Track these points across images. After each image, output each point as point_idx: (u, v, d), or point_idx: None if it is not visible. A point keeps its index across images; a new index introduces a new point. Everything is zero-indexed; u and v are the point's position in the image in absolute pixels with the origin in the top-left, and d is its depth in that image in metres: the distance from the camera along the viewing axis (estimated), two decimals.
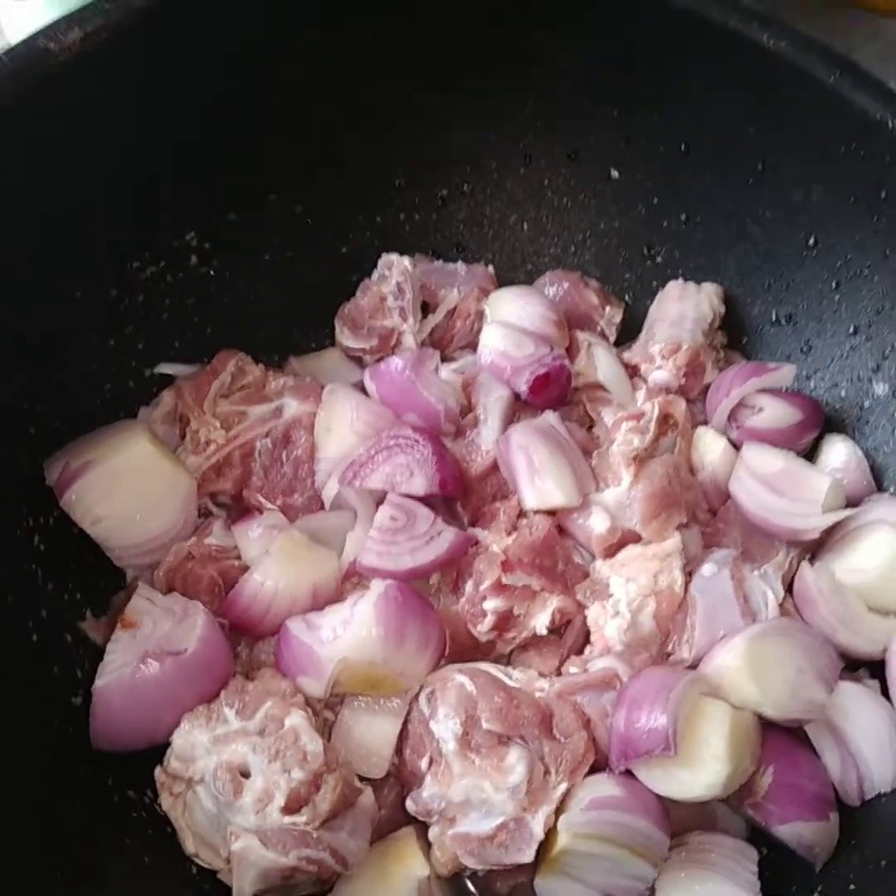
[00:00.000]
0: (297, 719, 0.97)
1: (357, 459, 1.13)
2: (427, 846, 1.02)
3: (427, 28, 1.24)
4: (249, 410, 1.21)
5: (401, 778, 1.06)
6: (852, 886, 0.98)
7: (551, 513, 1.15)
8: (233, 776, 0.94)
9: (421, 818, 1.02)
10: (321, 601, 1.10)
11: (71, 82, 1.04)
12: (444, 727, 1.00)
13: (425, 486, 1.09)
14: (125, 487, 1.09)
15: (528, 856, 0.96)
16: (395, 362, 1.20)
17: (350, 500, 1.14)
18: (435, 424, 1.17)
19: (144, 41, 1.09)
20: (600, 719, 1.02)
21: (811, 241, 1.23)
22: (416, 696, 1.05)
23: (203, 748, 0.96)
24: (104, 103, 1.08)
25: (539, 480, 1.12)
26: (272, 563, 1.09)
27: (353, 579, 1.12)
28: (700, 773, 0.95)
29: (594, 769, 1.01)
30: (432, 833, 1.01)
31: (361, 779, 1.02)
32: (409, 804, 1.02)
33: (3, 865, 0.85)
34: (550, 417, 1.18)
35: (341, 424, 1.16)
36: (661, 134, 1.29)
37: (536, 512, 1.14)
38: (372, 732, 1.04)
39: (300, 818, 0.92)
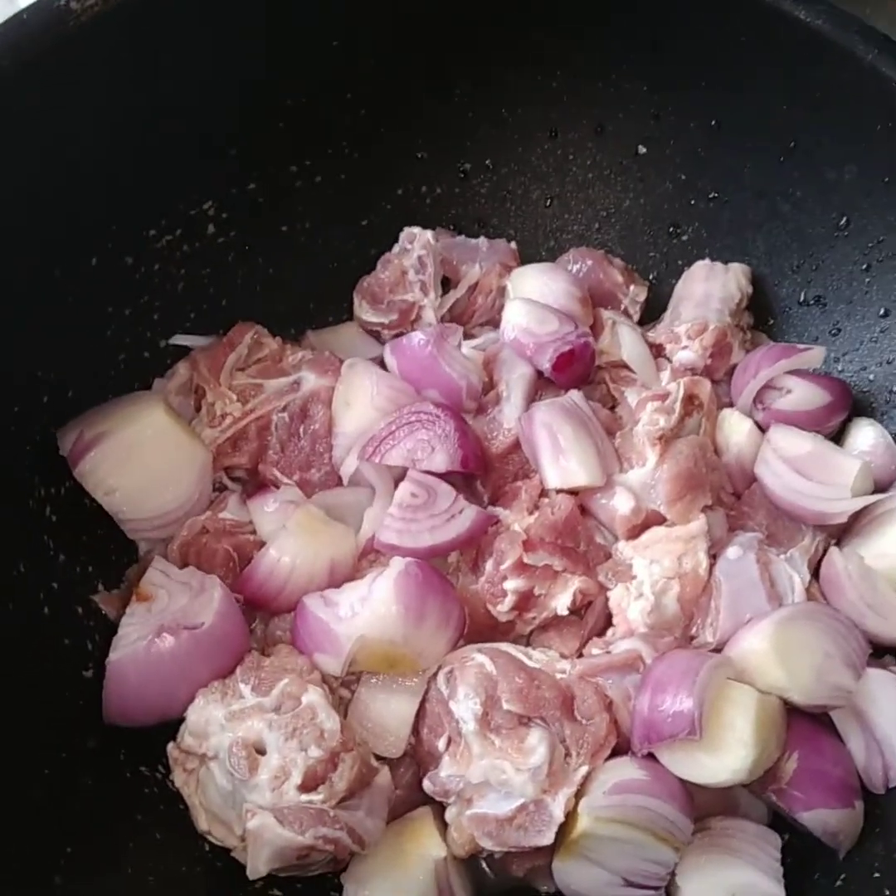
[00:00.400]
0: (314, 696, 0.95)
1: (377, 435, 1.11)
2: (443, 827, 1.00)
3: (454, 4, 1.21)
4: (266, 383, 1.19)
5: (417, 758, 1.04)
6: (877, 874, 0.97)
7: (574, 493, 1.13)
8: (248, 753, 0.92)
9: (438, 798, 1.00)
10: (338, 578, 1.08)
11: (91, 42, 1.02)
12: (464, 707, 0.98)
13: (447, 462, 1.07)
14: (140, 459, 1.07)
15: (547, 838, 0.94)
16: (418, 337, 1.17)
17: (368, 477, 1.12)
18: (456, 401, 1.15)
19: (167, 4, 1.06)
20: (623, 702, 1.00)
21: (843, 221, 1.21)
22: (435, 675, 1.03)
23: (218, 724, 0.94)
24: (124, 66, 1.06)
25: (562, 459, 1.10)
26: (289, 538, 1.07)
27: (370, 556, 1.11)
28: (725, 758, 0.93)
29: (615, 752, 1.00)
30: (449, 814, 1.00)
31: (378, 758, 1.00)
32: (427, 784, 1.00)
33: (14, 839, 0.84)
34: (575, 396, 1.16)
35: (361, 399, 1.14)
36: (692, 110, 1.27)
37: (559, 492, 1.12)
38: (389, 711, 1.03)
39: (317, 796, 0.90)
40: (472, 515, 1.07)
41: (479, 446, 1.13)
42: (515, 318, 1.19)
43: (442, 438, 1.07)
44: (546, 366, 1.17)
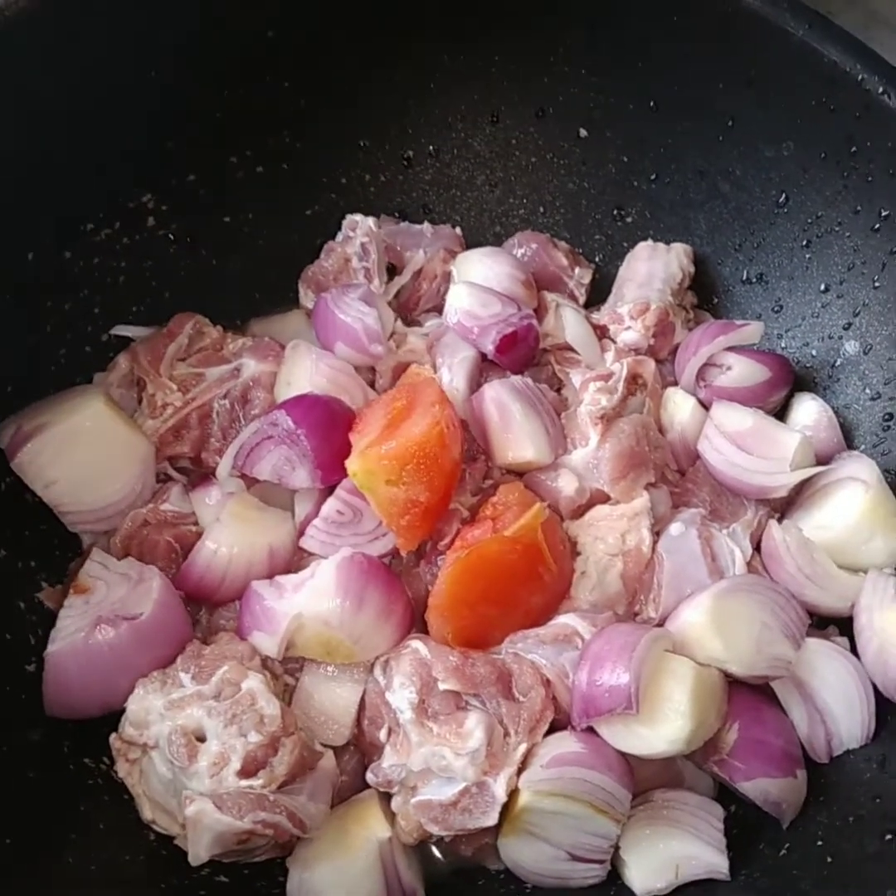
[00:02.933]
0: (254, 683, 0.95)
1: (247, 443, 1.10)
2: (390, 810, 1.00)
3: None
4: (207, 372, 1.19)
5: (360, 748, 1.05)
6: (820, 843, 0.98)
7: (519, 474, 1.13)
8: (187, 741, 0.92)
9: (382, 789, 1.01)
10: (279, 562, 1.08)
11: (20, 36, 1.02)
12: (400, 696, 0.98)
13: (307, 480, 1.07)
14: (80, 450, 1.07)
15: (491, 819, 0.95)
16: (321, 298, 1.20)
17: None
18: (360, 346, 1.16)
19: None
20: (559, 679, 1.00)
21: (782, 198, 1.22)
22: (372, 666, 1.03)
23: (157, 713, 0.94)
24: (55, 58, 1.06)
25: (511, 435, 1.11)
26: (224, 528, 1.07)
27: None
28: (662, 729, 0.94)
29: (555, 728, 1.00)
30: (395, 803, 1.00)
31: (323, 745, 1.00)
32: (370, 776, 1.01)
33: None
34: (522, 379, 1.16)
35: (301, 378, 1.14)
36: (630, 92, 1.27)
37: (507, 471, 1.12)
38: (333, 700, 1.03)
39: (256, 781, 0.91)
40: (394, 541, 1.06)
41: (343, 454, 1.06)
42: (458, 302, 1.20)
43: (301, 458, 1.06)
44: (489, 348, 1.17)
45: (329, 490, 1.09)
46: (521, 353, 1.19)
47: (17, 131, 1.05)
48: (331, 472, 1.07)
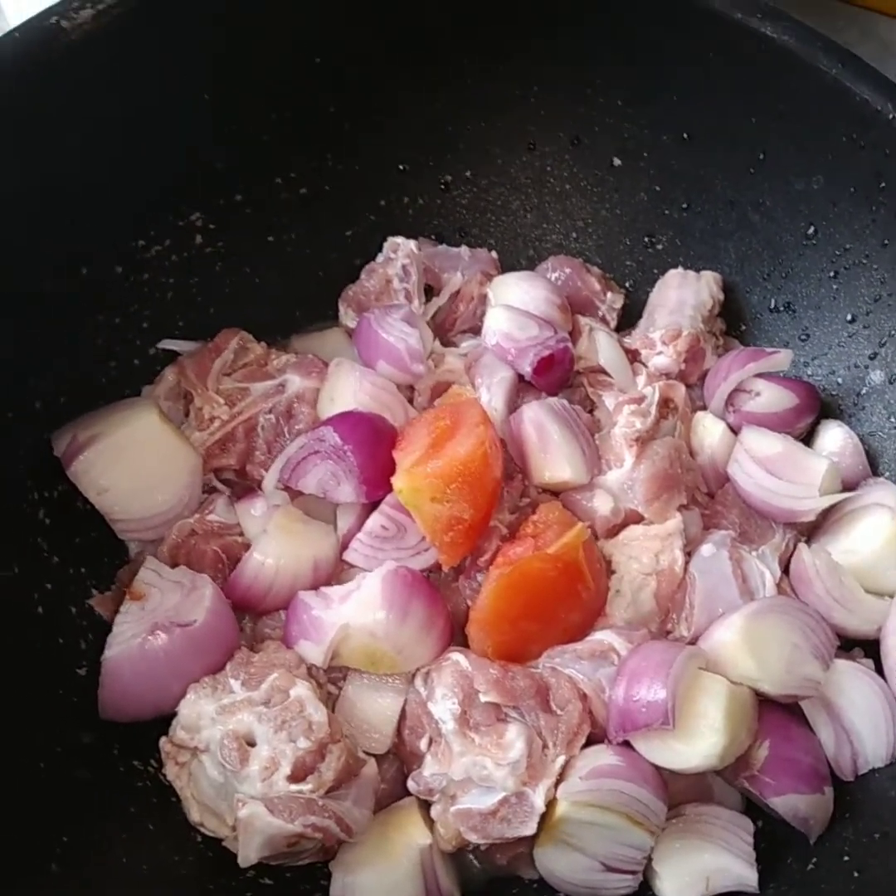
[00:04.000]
0: (302, 690, 0.98)
1: (293, 457, 1.13)
2: (428, 817, 1.03)
3: (433, 17, 1.25)
4: (252, 387, 1.22)
5: (400, 757, 1.07)
6: (846, 858, 1.00)
7: (555, 493, 1.17)
8: (239, 745, 0.95)
9: (423, 797, 1.03)
10: (322, 575, 1.11)
11: (82, 60, 1.05)
12: (443, 707, 1.01)
13: (352, 495, 1.10)
14: (132, 460, 1.10)
15: (530, 828, 0.97)
16: (364, 318, 1.23)
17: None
18: (402, 365, 1.19)
19: (154, 21, 1.10)
20: (596, 694, 1.03)
21: (811, 230, 1.25)
22: (413, 677, 1.06)
23: (209, 718, 0.97)
24: (113, 82, 1.09)
25: (550, 455, 1.14)
26: (271, 540, 1.10)
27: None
28: (697, 745, 0.97)
29: (591, 742, 1.03)
30: (435, 811, 1.02)
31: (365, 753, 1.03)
32: (411, 784, 1.03)
33: (13, 830, 0.86)
34: (559, 400, 1.20)
35: (344, 395, 1.17)
36: (664, 123, 1.31)
37: (543, 490, 1.15)
38: (374, 709, 1.06)
39: (305, 786, 0.93)
40: (435, 556, 1.09)
41: (386, 471, 1.09)
42: (497, 324, 1.23)
43: (347, 473, 1.09)
44: (527, 369, 1.21)
45: (370, 505, 1.13)
46: (556, 376, 1.23)
47: (77, 151, 1.08)
48: (375, 488, 1.10)
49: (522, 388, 1.24)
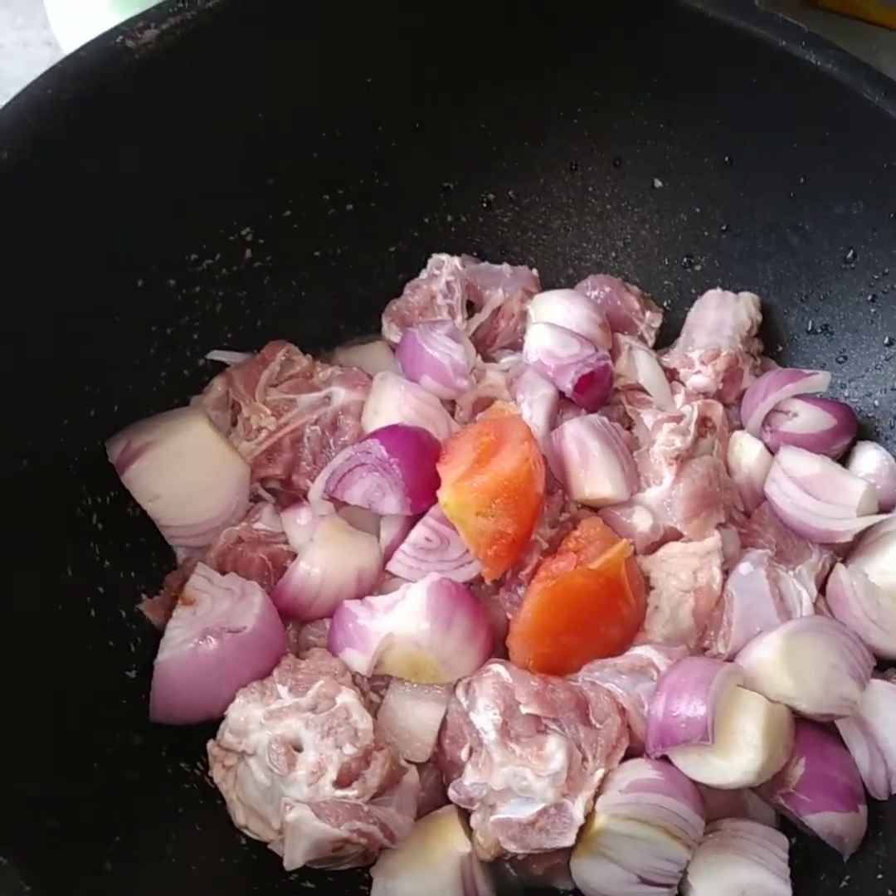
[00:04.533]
0: (347, 697, 1.00)
1: (339, 469, 1.15)
2: (468, 826, 1.05)
3: (480, 40, 1.28)
4: (298, 398, 1.24)
5: (440, 766, 1.09)
6: (880, 876, 1.01)
7: (595, 509, 1.19)
8: (287, 750, 0.97)
9: (463, 806, 1.05)
10: (366, 585, 1.13)
11: (145, 79, 1.08)
12: (484, 718, 1.03)
13: (397, 507, 1.12)
14: (184, 468, 1.13)
15: (568, 840, 0.99)
16: (408, 333, 1.26)
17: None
18: (447, 380, 1.21)
19: (213, 41, 1.13)
20: (635, 708, 1.05)
21: (850, 254, 1.27)
22: (454, 687, 1.08)
23: (257, 723, 0.99)
24: (174, 100, 1.12)
25: (591, 471, 1.16)
26: (317, 550, 1.13)
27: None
28: (736, 761, 0.98)
29: (629, 756, 1.04)
30: (474, 820, 1.04)
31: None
32: (452, 793, 1.05)
33: (68, 828, 0.88)
34: (599, 417, 1.22)
35: (389, 408, 1.19)
36: (706, 146, 1.33)
37: (583, 506, 1.17)
38: (416, 718, 1.08)
39: (351, 792, 0.95)
40: (477, 569, 1.11)
41: (431, 484, 1.11)
42: (539, 342, 1.25)
43: (392, 486, 1.11)
44: (568, 387, 1.23)
45: (414, 517, 1.15)
46: (597, 393, 1.25)
47: (137, 169, 1.11)
48: (419, 501, 1.12)
49: (562, 405, 1.26)
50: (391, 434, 1.14)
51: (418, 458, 1.12)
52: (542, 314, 1.32)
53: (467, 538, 1.06)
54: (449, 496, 1.06)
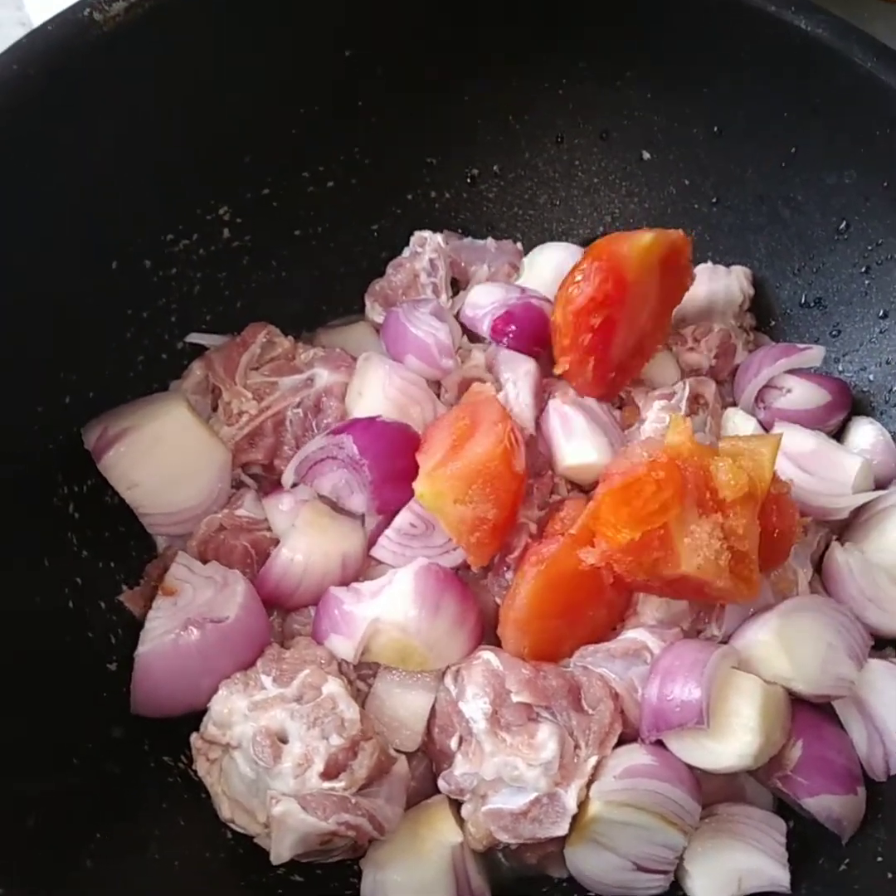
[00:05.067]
0: (334, 687, 0.98)
1: (311, 457, 1.13)
2: (459, 815, 1.03)
3: (460, 11, 1.24)
4: (280, 381, 1.21)
5: (430, 755, 1.07)
6: (879, 859, 1.00)
7: (584, 491, 1.16)
8: (272, 742, 0.95)
9: (454, 796, 1.03)
10: (351, 571, 1.11)
11: (113, 52, 1.04)
12: (474, 707, 1.00)
13: (363, 506, 1.11)
14: (162, 454, 1.10)
15: (562, 829, 0.97)
16: (392, 312, 1.24)
17: None
18: (431, 360, 1.19)
19: (183, 14, 1.09)
20: (628, 692, 1.03)
21: (842, 225, 1.24)
22: (443, 675, 1.06)
23: (240, 714, 0.97)
24: (145, 75, 1.08)
25: (574, 441, 1.14)
26: (300, 536, 1.10)
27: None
28: (731, 744, 0.96)
29: (622, 742, 1.02)
30: (466, 810, 1.02)
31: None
32: (442, 784, 1.03)
33: (47, 825, 0.86)
34: (588, 400, 1.20)
35: (373, 389, 1.16)
36: (694, 117, 1.30)
37: (573, 487, 1.15)
38: (404, 706, 1.05)
39: (338, 783, 0.93)
40: (463, 555, 1.08)
41: (404, 482, 1.07)
42: (469, 297, 1.25)
43: (360, 485, 1.09)
44: (485, 330, 1.21)
45: None
46: (522, 334, 1.20)
47: (108, 145, 1.08)
48: (388, 502, 1.10)
49: (548, 384, 1.23)
50: (366, 430, 1.10)
51: (391, 459, 1.09)
52: (535, 262, 1.32)
53: (448, 527, 1.04)
54: (424, 486, 1.03)
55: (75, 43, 1.03)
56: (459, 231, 1.41)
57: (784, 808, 1.07)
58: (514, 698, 0.99)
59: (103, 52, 1.04)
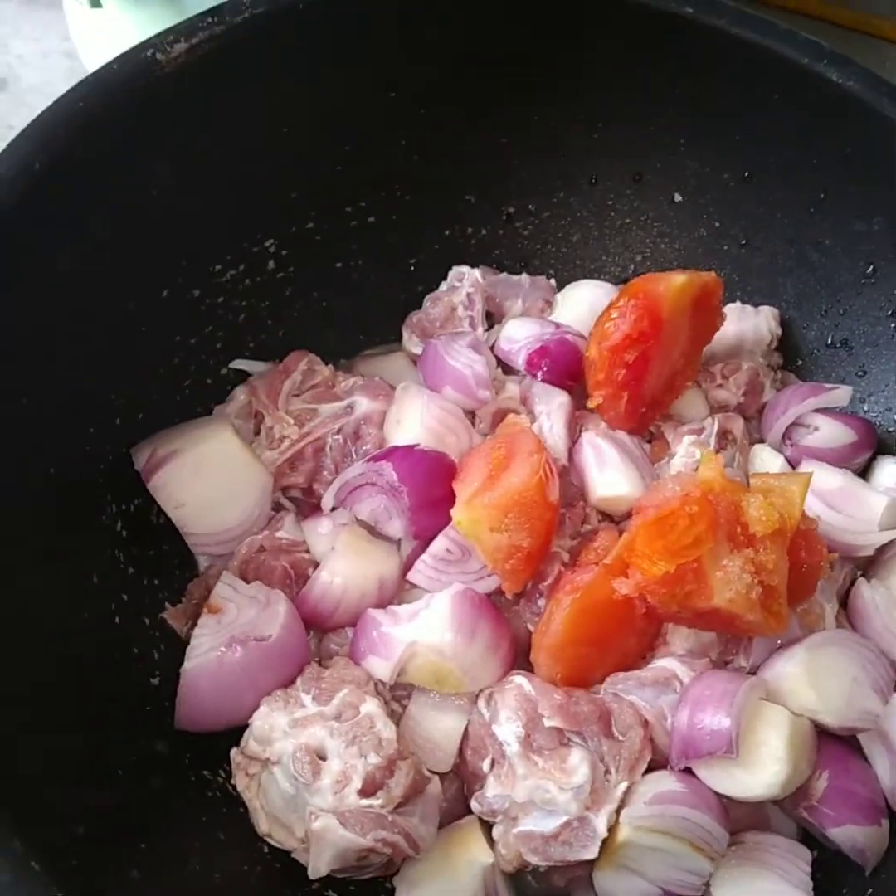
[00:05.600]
0: (371, 707, 1.00)
1: (350, 482, 1.16)
2: (490, 837, 1.05)
3: (501, 54, 1.29)
4: (320, 408, 1.25)
5: (461, 776, 1.09)
6: None
7: (615, 522, 1.19)
8: (312, 759, 0.97)
9: (485, 818, 1.05)
10: (387, 594, 1.14)
11: (174, 92, 1.10)
12: (507, 730, 1.02)
13: (401, 532, 1.14)
14: (208, 476, 1.13)
15: (591, 852, 0.99)
16: (431, 344, 1.27)
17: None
18: (468, 391, 1.23)
19: (243, 55, 1.14)
20: (658, 720, 1.05)
21: (869, 269, 1.28)
22: (476, 698, 1.08)
23: (281, 731, 0.99)
24: (202, 113, 1.14)
25: (606, 473, 1.18)
26: (340, 559, 1.13)
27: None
28: (760, 774, 0.98)
29: (652, 768, 1.04)
30: (496, 832, 1.04)
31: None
32: (475, 805, 1.05)
33: (96, 835, 0.88)
34: (619, 433, 1.23)
35: (411, 417, 1.20)
36: (726, 162, 1.34)
37: (604, 517, 1.18)
38: (438, 728, 1.08)
39: (376, 801, 0.95)
40: (497, 581, 1.11)
41: (441, 510, 1.11)
42: (503, 332, 1.29)
43: (399, 512, 1.12)
44: (521, 364, 1.25)
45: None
46: (558, 369, 1.24)
47: (165, 182, 1.13)
48: (425, 529, 1.13)
49: (580, 416, 1.27)
50: (405, 457, 1.13)
51: (429, 486, 1.12)
52: (569, 298, 1.36)
53: (484, 554, 1.07)
54: (462, 514, 1.06)
55: (139, 82, 1.08)
56: (495, 266, 1.45)
57: (808, 837, 1.08)
58: (547, 723, 1.02)
59: (165, 91, 1.09)
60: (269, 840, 1.01)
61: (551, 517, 1.10)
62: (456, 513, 1.08)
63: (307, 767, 0.96)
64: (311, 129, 1.25)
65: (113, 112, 1.06)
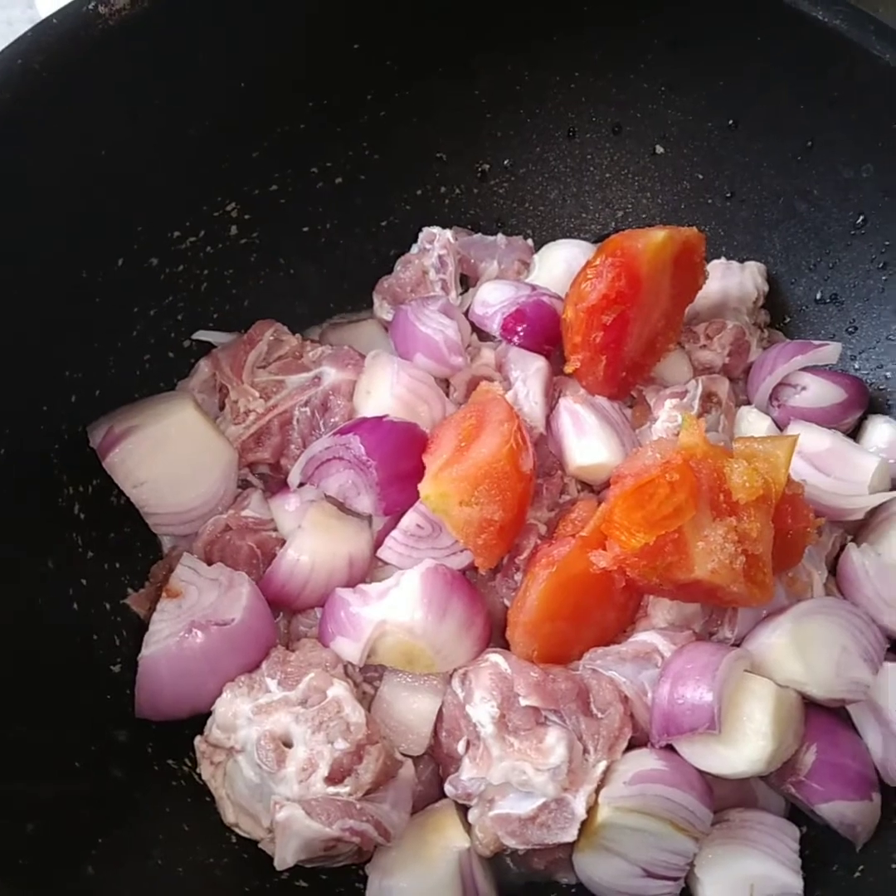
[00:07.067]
0: (339, 690, 0.97)
1: (317, 457, 1.11)
2: (466, 820, 1.02)
3: (473, 4, 1.22)
4: (287, 379, 1.20)
5: (436, 758, 1.06)
6: (894, 865, 0.98)
7: (595, 491, 1.14)
8: (276, 746, 0.94)
9: (461, 801, 1.02)
10: (357, 572, 1.10)
11: (118, 45, 1.03)
12: (481, 710, 0.99)
13: (370, 507, 1.09)
14: (168, 453, 1.09)
15: (570, 835, 0.96)
16: (401, 310, 1.22)
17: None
18: (440, 357, 1.18)
19: (190, 8, 1.07)
20: (638, 696, 1.01)
21: (859, 219, 1.22)
22: (450, 677, 1.04)
23: (245, 718, 0.96)
24: (150, 69, 1.07)
25: (584, 440, 1.13)
26: (306, 537, 1.09)
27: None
28: (743, 749, 0.95)
29: (633, 746, 1.01)
30: (472, 815, 1.01)
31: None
32: (449, 788, 1.02)
33: (47, 830, 0.85)
34: (599, 398, 1.18)
35: (381, 387, 1.15)
36: (709, 110, 1.28)
37: (583, 487, 1.13)
38: (411, 710, 1.04)
39: (343, 788, 0.92)
40: (471, 556, 1.07)
41: (411, 484, 1.06)
42: (478, 295, 1.23)
43: (367, 487, 1.08)
44: (496, 329, 1.20)
45: None
46: (533, 332, 1.19)
47: (113, 140, 1.07)
48: (395, 503, 1.08)
49: (559, 382, 1.22)
50: (373, 430, 1.08)
51: (399, 460, 1.07)
52: (547, 258, 1.30)
53: (454, 529, 1.02)
54: (429, 488, 1.02)
55: (80, 36, 1.02)
56: (469, 227, 1.39)
57: (797, 813, 1.05)
58: (523, 702, 0.98)
59: (108, 45, 1.02)
60: (236, 830, 0.98)
61: (524, 488, 1.05)
62: (423, 487, 1.03)
63: (271, 755, 0.93)
64: (270, 84, 1.18)
65: (54, 69, 1.00)
